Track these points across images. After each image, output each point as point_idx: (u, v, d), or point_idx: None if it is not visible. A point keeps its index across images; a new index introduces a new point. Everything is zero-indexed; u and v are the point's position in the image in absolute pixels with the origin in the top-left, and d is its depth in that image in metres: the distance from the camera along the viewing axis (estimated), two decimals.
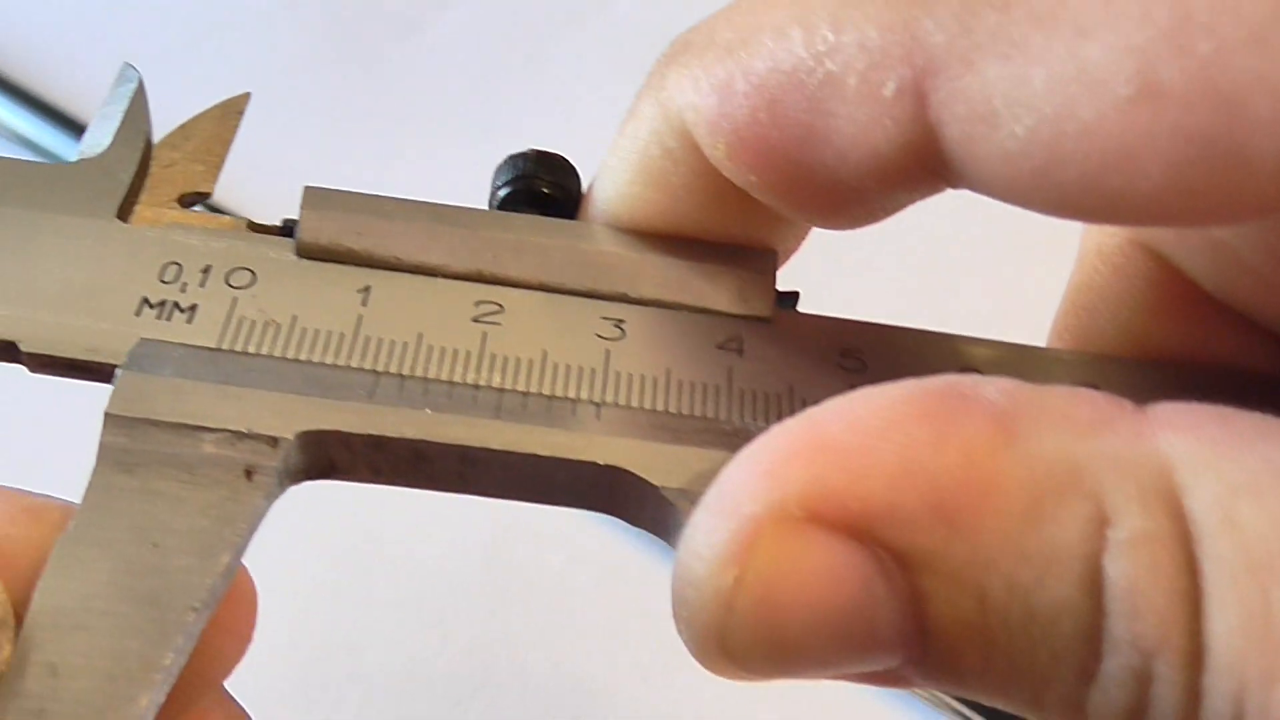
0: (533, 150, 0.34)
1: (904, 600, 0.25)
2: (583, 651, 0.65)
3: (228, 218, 0.33)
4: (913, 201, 0.29)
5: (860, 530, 0.24)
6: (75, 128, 0.80)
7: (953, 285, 0.75)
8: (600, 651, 0.65)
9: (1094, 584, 0.23)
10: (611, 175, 0.32)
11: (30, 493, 0.30)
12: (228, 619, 0.29)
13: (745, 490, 0.25)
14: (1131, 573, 0.23)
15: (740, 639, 0.25)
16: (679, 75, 0.30)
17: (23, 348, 0.30)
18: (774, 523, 0.24)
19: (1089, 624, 0.24)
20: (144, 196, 0.33)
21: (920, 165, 0.27)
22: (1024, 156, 0.25)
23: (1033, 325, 0.36)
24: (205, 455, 0.28)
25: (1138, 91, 0.23)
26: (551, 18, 0.90)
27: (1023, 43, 0.24)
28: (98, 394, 0.30)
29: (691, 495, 0.28)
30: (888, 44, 0.26)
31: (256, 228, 0.33)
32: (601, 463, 0.29)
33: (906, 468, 0.24)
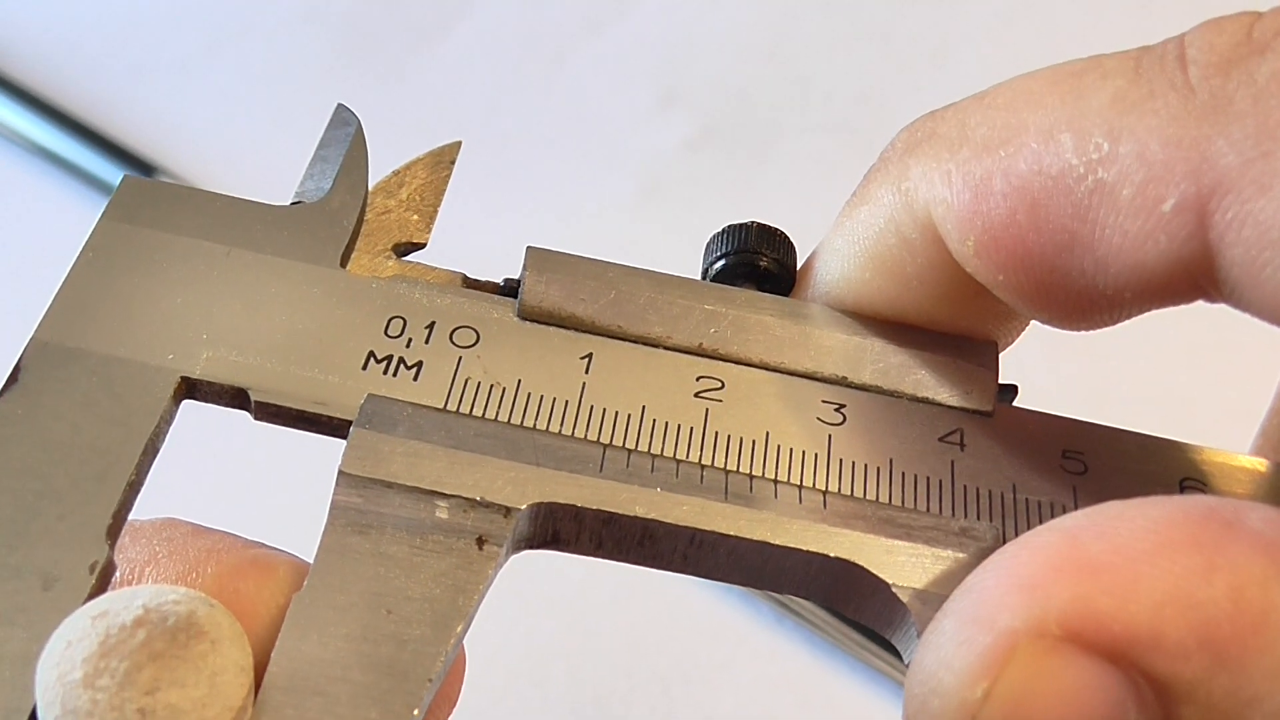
0: (754, 223, 0.34)
1: None
2: (602, 663, 0.65)
3: (444, 271, 0.33)
4: (1159, 309, 0.29)
5: (1119, 654, 0.24)
6: (95, 138, 0.80)
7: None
8: (620, 663, 0.65)
9: None
10: (839, 257, 0.32)
11: (252, 543, 0.30)
12: (442, 686, 0.29)
13: (1001, 602, 0.25)
14: None
15: None
16: (926, 167, 0.29)
17: (253, 396, 0.30)
18: (1031, 639, 0.24)
19: None
20: (360, 244, 0.33)
21: (1187, 280, 0.27)
22: None
23: (1233, 431, 0.36)
24: (439, 521, 0.28)
25: None
26: (569, 27, 0.90)
27: None
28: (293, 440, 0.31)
29: (926, 597, 0.28)
30: (1172, 158, 0.26)
31: (472, 283, 0.33)
32: (832, 555, 0.29)
33: (1175, 596, 0.24)
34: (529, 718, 0.64)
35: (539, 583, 0.67)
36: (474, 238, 0.49)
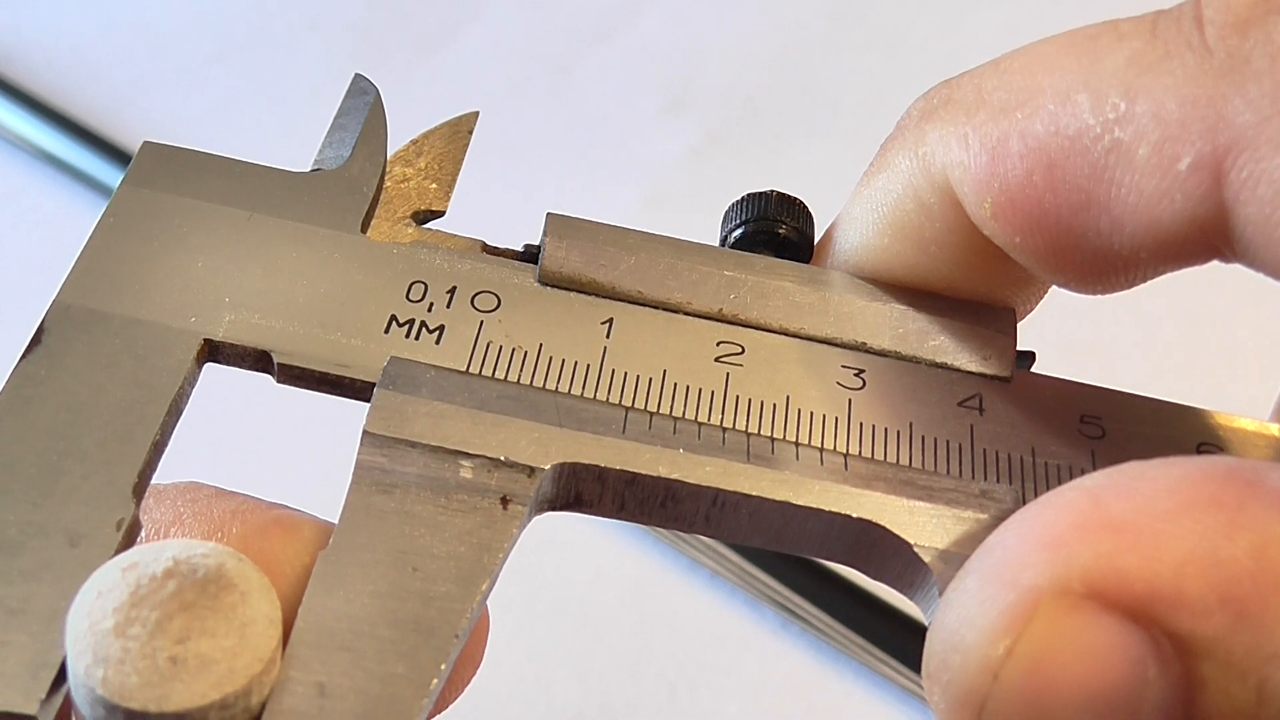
0: (773, 192, 0.34)
1: (1174, 684, 0.24)
2: (608, 668, 0.65)
3: (463, 238, 0.33)
4: (1175, 270, 0.29)
5: (1141, 612, 0.24)
6: (102, 145, 0.80)
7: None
8: (624, 664, 0.65)
9: None
10: (858, 224, 0.32)
11: (275, 504, 0.30)
12: (467, 645, 0.29)
13: (1024, 560, 0.25)
14: None
15: (1001, 708, 0.25)
16: (943, 131, 0.29)
17: (276, 359, 0.30)
18: (1054, 596, 0.24)
19: None
20: (380, 211, 0.34)
21: (1202, 240, 0.27)
22: None
23: (1250, 398, 0.36)
24: (463, 481, 0.28)
25: None
26: (576, 35, 0.90)
27: None
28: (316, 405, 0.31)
29: (948, 557, 0.28)
30: (1188, 117, 0.26)
31: (492, 250, 0.33)
32: (855, 516, 0.29)
33: (1197, 554, 0.24)
34: None
35: (545, 586, 0.67)
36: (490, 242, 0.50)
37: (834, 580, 0.66)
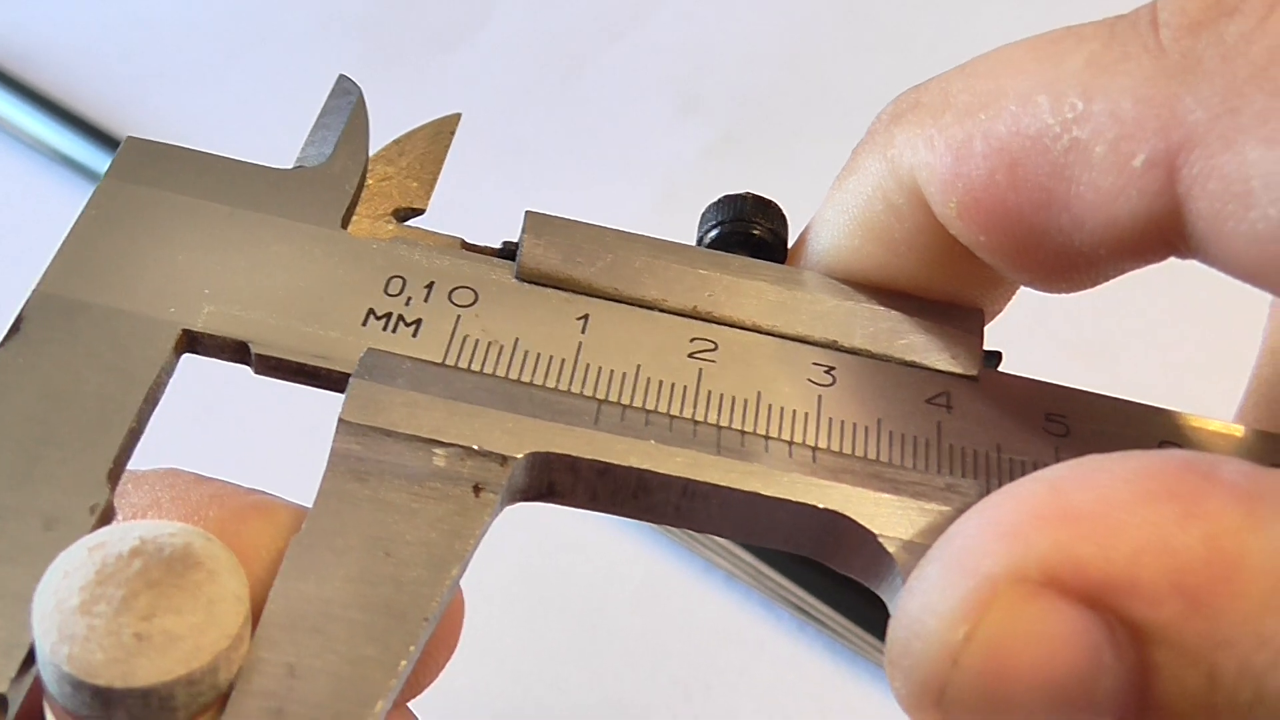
0: (749, 194, 0.34)
1: (1130, 671, 0.25)
2: (621, 666, 0.66)
3: (443, 235, 0.34)
4: (1135, 268, 0.29)
5: (1097, 600, 0.25)
6: (114, 145, 0.80)
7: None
8: (638, 666, 0.66)
9: None
10: (829, 226, 0.33)
11: (253, 490, 0.30)
12: (439, 629, 0.29)
13: (984, 548, 0.25)
14: None
15: (960, 694, 0.26)
16: (911, 134, 0.30)
17: (254, 349, 0.30)
18: (1012, 584, 0.25)
19: None
20: (361, 208, 0.34)
21: (1158, 236, 0.27)
22: (1275, 240, 0.25)
23: (1212, 399, 0.36)
24: (436, 469, 0.29)
25: None
26: (588, 35, 0.90)
27: None
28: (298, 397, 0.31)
29: (912, 548, 0.29)
30: (1142, 116, 0.26)
31: (471, 247, 0.34)
32: (821, 506, 0.29)
33: (1151, 543, 0.24)
34: None
35: (559, 587, 0.68)
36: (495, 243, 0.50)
37: (849, 581, 0.66)
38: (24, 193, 0.81)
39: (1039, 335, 0.70)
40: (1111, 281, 0.30)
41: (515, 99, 0.87)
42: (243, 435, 0.70)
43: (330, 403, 0.30)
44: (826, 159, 0.84)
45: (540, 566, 0.67)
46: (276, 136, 0.78)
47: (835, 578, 0.65)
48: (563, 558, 0.68)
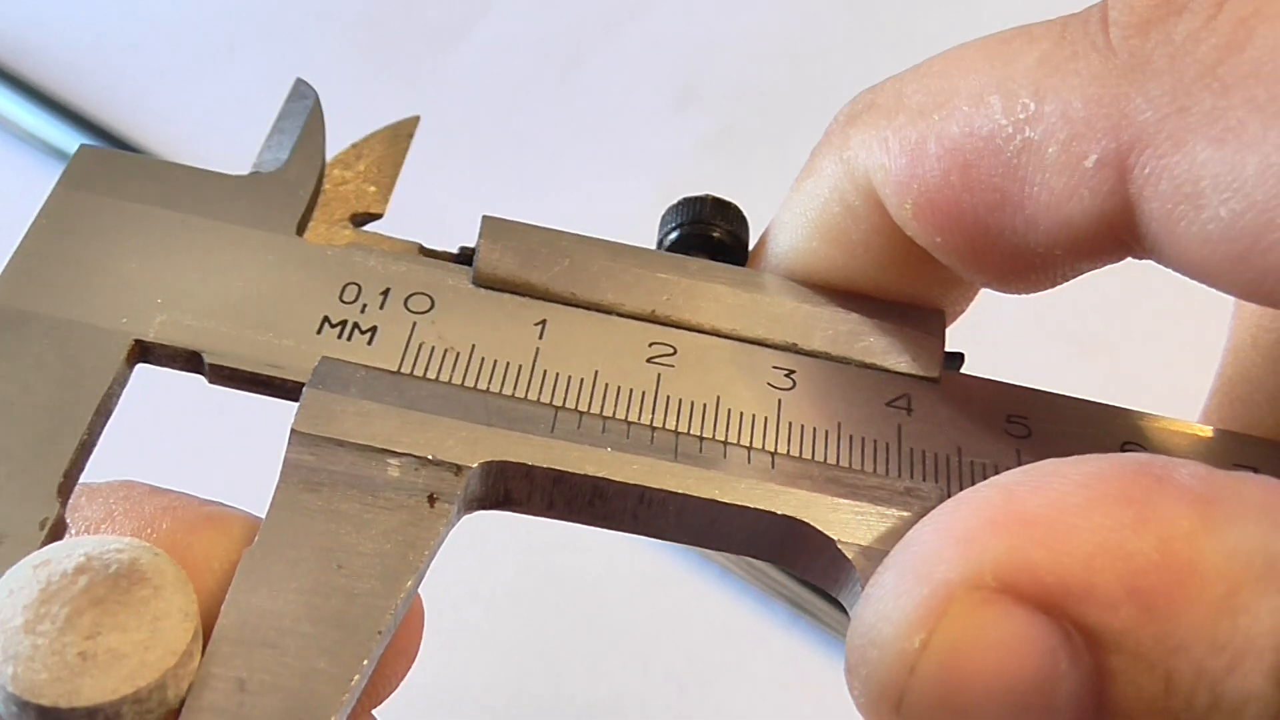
0: (709, 196, 0.34)
1: (1086, 676, 0.25)
2: (618, 663, 0.65)
3: (400, 240, 0.34)
4: (1092, 269, 0.29)
5: (1052, 605, 0.24)
6: (112, 141, 0.80)
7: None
8: (633, 661, 0.65)
9: None
10: (787, 229, 0.33)
11: (209, 501, 0.30)
12: (398, 639, 0.29)
13: (939, 555, 0.25)
14: None
15: (917, 701, 0.25)
16: (865, 135, 0.30)
17: (207, 359, 0.30)
18: (967, 590, 0.25)
19: (1274, 715, 0.24)
20: (317, 214, 0.34)
21: (1111, 237, 0.27)
22: (1225, 240, 0.25)
23: (1179, 398, 0.36)
24: (390, 479, 0.29)
25: None
26: (586, 29, 0.90)
27: (1238, 128, 0.25)
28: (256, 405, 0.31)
29: (870, 553, 0.28)
30: (1093, 116, 0.26)
31: (428, 252, 0.33)
32: (779, 513, 0.29)
33: (1105, 548, 0.24)
34: (544, 717, 0.65)
35: (556, 582, 0.67)
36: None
37: None
38: (21, 187, 0.80)
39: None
40: (1074, 281, 0.30)
41: (512, 94, 0.86)
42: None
43: (284, 413, 0.30)
44: None
45: (535, 562, 0.67)
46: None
47: None
48: (558, 553, 0.67)
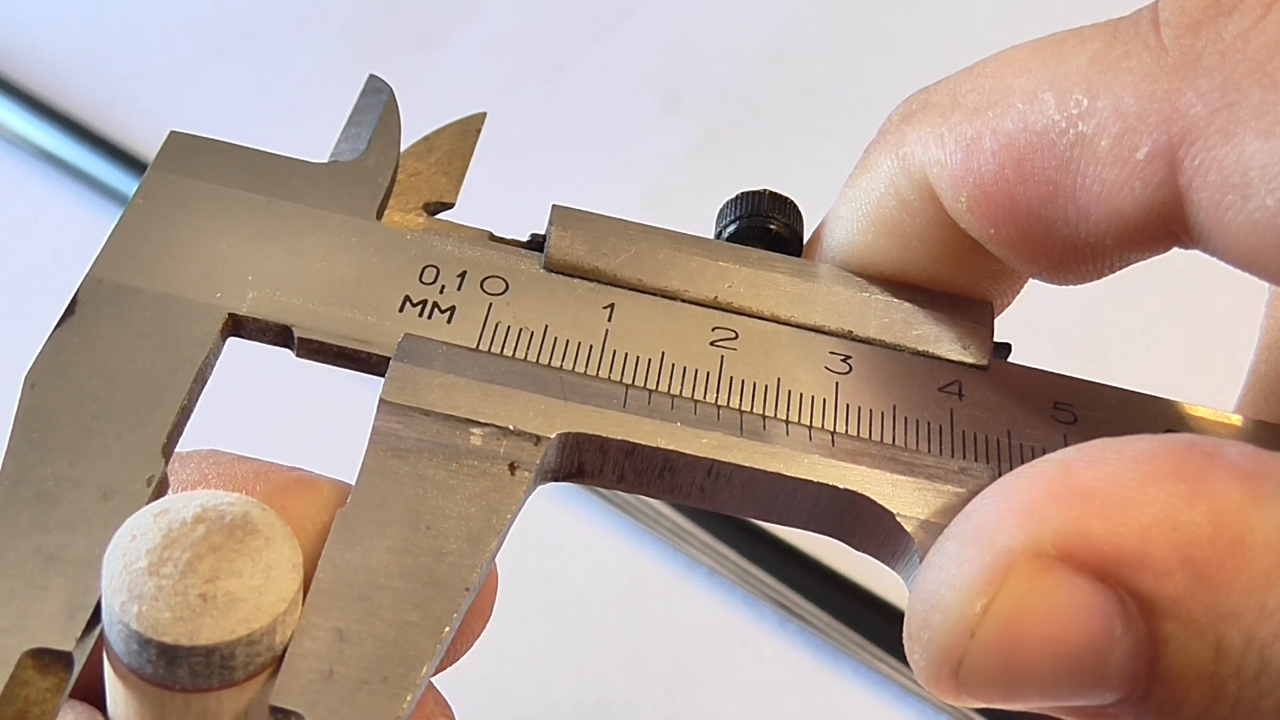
0: (766, 190, 0.36)
1: (1139, 642, 0.26)
2: (605, 663, 0.66)
3: (472, 228, 0.35)
4: (1141, 260, 0.31)
5: (1108, 573, 0.26)
6: (99, 143, 0.81)
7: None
8: (622, 663, 0.66)
9: None
10: (844, 222, 0.34)
11: (295, 468, 0.32)
12: (476, 601, 0.30)
13: (1000, 525, 0.27)
14: None
15: (976, 664, 0.27)
16: (921, 132, 0.31)
17: (297, 333, 0.32)
18: (1028, 558, 0.26)
19: None
20: (393, 202, 0.35)
21: (1161, 227, 0.29)
22: (1272, 228, 0.27)
23: (1212, 394, 0.38)
24: (473, 448, 0.30)
25: None
26: (572, 32, 0.91)
27: None
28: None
29: (928, 526, 0.30)
30: (1144, 110, 0.28)
31: (498, 239, 0.35)
32: (841, 487, 0.30)
33: (1159, 520, 0.26)
34: (533, 718, 0.65)
35: (544, 584, 0.68)
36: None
37: (832, 578, 0.67)
38: (11, 191, 0.81)
39: (1040, 331, 0.71)
40: (1111, 277, 0.32)
41: (500, 96, 0.87)
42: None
43: (363, 395, 0.32)
44: (810, 155, 0.86)
45: (525, 564, 0.68)
46: (265, 132, 0.79)
47: (818, 574, 0.67)
48: (546, 556, 0.68)
